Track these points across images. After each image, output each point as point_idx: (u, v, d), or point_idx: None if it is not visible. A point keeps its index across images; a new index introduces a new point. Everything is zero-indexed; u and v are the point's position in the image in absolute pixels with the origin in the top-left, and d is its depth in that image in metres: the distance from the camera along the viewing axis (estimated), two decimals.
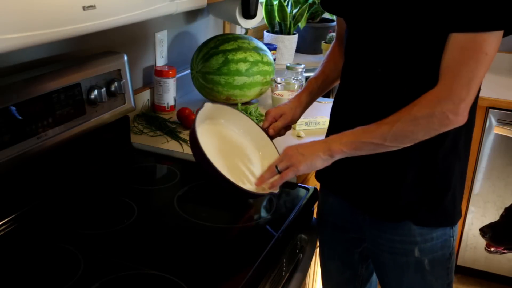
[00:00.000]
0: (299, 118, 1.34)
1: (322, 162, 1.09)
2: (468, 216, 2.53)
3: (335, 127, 1.27)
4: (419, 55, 1.05)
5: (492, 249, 1.72)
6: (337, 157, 1.08)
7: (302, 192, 1.33)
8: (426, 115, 1.01)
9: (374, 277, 1.47)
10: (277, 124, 1.30)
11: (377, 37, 1.10)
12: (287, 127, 1.33)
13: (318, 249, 1.70)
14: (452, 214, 1.19)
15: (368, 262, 1.40)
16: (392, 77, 1.09)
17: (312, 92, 1.34)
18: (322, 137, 1.61)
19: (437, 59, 1.02)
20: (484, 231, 1.71)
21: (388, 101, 1.10)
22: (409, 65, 1.07)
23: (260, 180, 1.14)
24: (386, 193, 1.16)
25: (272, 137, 1.30)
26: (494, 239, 1.70)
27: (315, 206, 1.44)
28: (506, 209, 1.73)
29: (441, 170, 1.13)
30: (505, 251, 1.72)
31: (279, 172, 1.11)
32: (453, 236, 1.20)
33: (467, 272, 2.63)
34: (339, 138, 1.08)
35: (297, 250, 1.26)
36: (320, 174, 1.35)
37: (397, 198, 1.16)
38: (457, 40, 0.98)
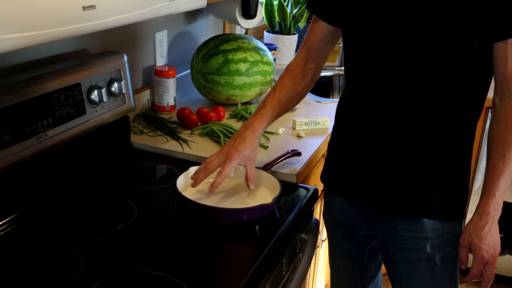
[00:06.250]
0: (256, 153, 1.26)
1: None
2: (468, 215, 2.51)
3: (343, 129, 1.27)
4: (447, 57, 1.06)
5: None
6: None
7: (302, 192, 1.33)
8: None
9: (381, 271, 1.48)
10: (251, 173, 1.24)
11: (403, 38, 1.08)
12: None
13: (318, 249, 1.70)
14: (463, 208, 1.22)
15: (376, 258, 1.41)
16: (418, 79, 1.10)
17: (267, 125, 1.28)
18: (323, 137, 1.63)
19: (463, 59, 1.05)
20: None
21: (410, 102, 1.11)
22: (437, 66, 1.07)
23: None
24: (401, 188, 1.17)
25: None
26: None
27: (315, 206, 1.43)
28: None
29: (458, 167, 1.17)
30: None
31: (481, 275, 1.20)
32: (461, 233, 1.21)
33: (466, 272, 2.62)
34: (493, 206, 1.11)
35: (297, 250, 1.26)
36: (326, 177, 1.35)
37: (412, 193, 1.17)
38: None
